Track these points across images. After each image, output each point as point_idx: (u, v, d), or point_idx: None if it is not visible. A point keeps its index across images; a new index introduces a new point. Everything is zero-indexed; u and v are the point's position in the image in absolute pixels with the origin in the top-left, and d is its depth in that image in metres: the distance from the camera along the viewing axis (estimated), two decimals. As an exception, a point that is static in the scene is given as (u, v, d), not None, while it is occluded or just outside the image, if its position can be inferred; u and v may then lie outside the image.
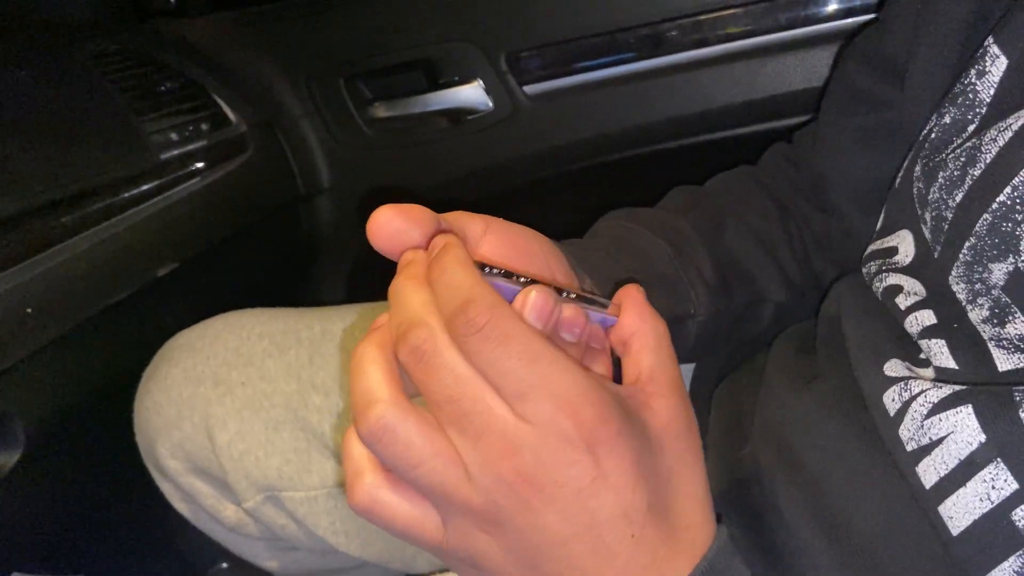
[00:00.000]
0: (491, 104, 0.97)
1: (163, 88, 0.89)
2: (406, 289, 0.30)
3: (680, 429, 0.31)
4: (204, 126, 0.91)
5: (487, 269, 0.31)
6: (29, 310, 0.62)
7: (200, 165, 0.87)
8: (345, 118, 1.02)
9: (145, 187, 0.79)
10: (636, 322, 0.33)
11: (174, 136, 0.86)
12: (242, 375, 0.63)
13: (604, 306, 0.34)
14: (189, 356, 0.65)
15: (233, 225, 0.91)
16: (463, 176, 1.02)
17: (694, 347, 0.50)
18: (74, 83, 0.81)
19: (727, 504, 0.46)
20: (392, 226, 0.32)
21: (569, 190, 1.03)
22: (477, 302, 0.28)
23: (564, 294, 0.33)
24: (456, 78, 0.98)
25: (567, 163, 0.98)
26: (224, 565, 1.09)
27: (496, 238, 0.35)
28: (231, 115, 0.95)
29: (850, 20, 0.84)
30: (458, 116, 1.00)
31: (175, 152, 0.85)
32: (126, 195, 0.76)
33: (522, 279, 0.32)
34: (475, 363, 0.28)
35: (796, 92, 0.87)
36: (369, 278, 1.12)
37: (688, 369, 0.61)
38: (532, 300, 0.30)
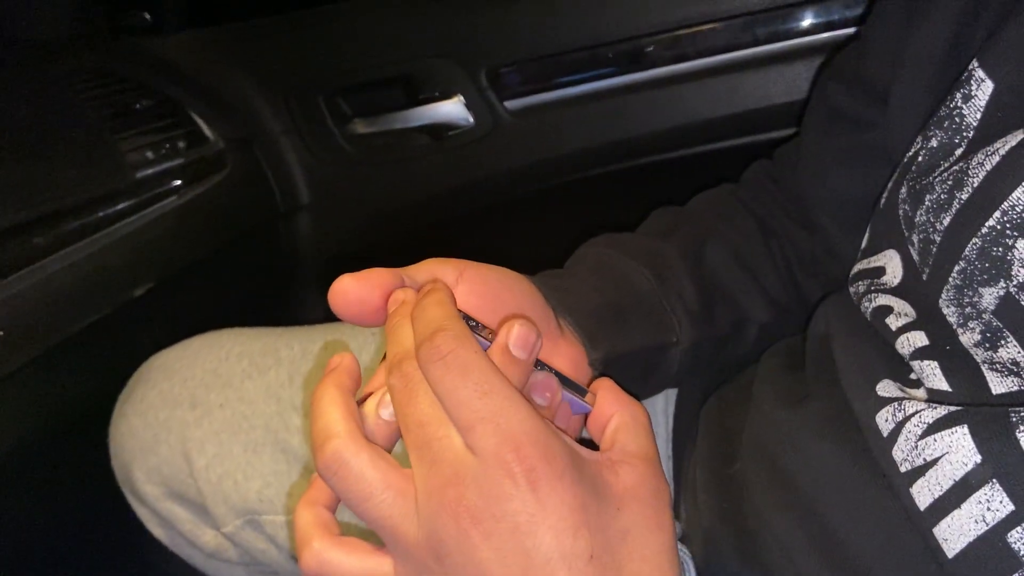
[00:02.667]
0: (472, 120, 0.97)
1: (139, 106, 0.88)
2: (399, 328, 0.33)
3: (645, 496, 0.31)
4: (181, 144, 0.89)
5: (471, 322, 0.34)
6: (1, 332, 0.60)
7: (177, 183, 0.86)
8: (325, 135, 1.01)
9: (121, 206, 0.78)
10: (613, 406, 0.35)
11: (150, 154, 0.85)
12: (220, 397, 0.62)
13: (581, 392, 0.36)
14: (166, 378, 0.63)
15: (211, 243, 0.90)
16: (444, 192, 1.01)
17: (678, 373, 0.50)
18: (48, 101, 0.79)
19: (719, 521, 0.45)
20: (352, 295, 0.34)
21: (551, 205, 1.03)
22: (444, 332, 0.30)
23: (539, 367, 0.35)
24: (436, 94, 0.98)
25: (549, 178, 0.98)
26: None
27: (468, 286, 0.37)
28: (208, 132, 0.93)
29: (829, 34, 0.85)
30: (439, 132, 0.99)
31: (152, 170, 0.83)
32: (101, 214, 0.75)
33: (487, 330, 0.34)
34: (436, 390, 0.30)
35: (777, 106, 0.87)
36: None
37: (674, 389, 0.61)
38: (516, 332, 0.32)
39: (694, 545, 0.47)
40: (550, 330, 0.41)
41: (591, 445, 0.34)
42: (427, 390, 0.30)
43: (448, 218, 1.05)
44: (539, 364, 0.35)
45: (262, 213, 1.00)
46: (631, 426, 0.34)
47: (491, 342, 0.33)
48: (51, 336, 0.66)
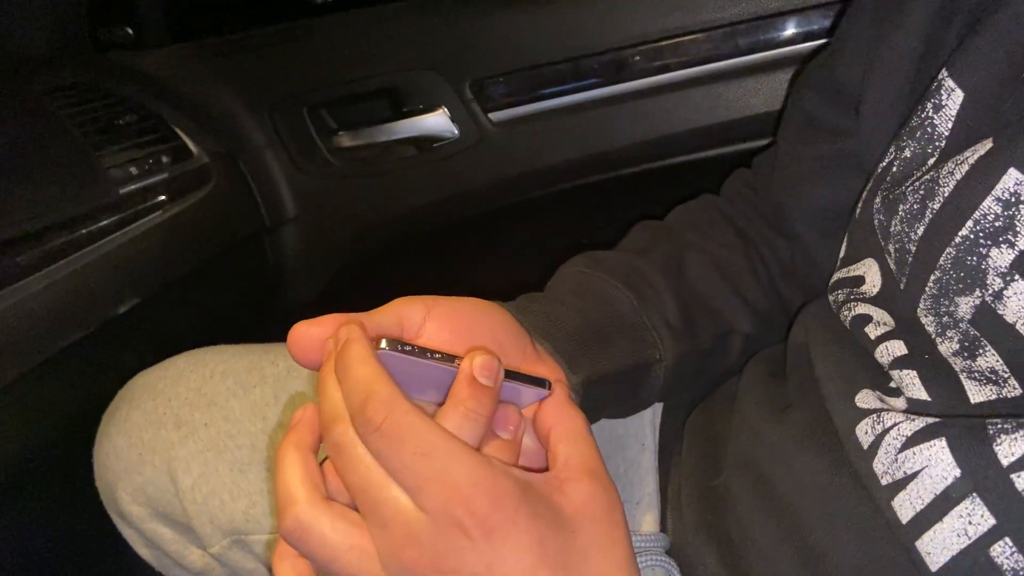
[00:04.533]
0: (457, 132, 0.97)
1: (122, 121, 0.87)
2: (327, 384, 0.32)
3: (596, 513, 0.32)
4: (165, 159, 0.89)
5: (429, 354, 0.33)
6: (-19, 354, 0.60)
7: (162, 198, 0.86)
8: (310, 148, 1.01)
9: (104, 223, 0.77)
10: (552, 416, 0.35)
11: (134, 170, 0.84)
12: (205, 416, 0.61)
13: (542, 385, 0.36)
14: (150, 397, 0.63)
15: (196, 259, 0.89)
16: (430, 204, 1.01)
17: (663, 389, 0.50)
18: (29, 118, 0.79)
19: (703, 533, 0.45)
20: (305, 341, 0.34)
21: (536, 216, 1.03)
22: (373, 401, 0.30)
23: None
24: (421, 106, 0.98)
25: (534, 189, 0.98)
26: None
27: (438, 322, 0.37)
28: (192, 147, 0.93)
29: (809, 44, 0.86)
30: (424, 144, 0.99)
31: (135, 186, 0.83)
32: (85, 231, 0.74)
33: (456, 360, 0.34)
34: (378, 459, 0.30)
35: (758, 116, 0.88)
36: (337, 309, 1.11)
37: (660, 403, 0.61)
38: (479, 362, 0.33)
39: (680, 556, 0.47)
40: (527, 356, 0.41)
41: None
42: (363, 453, 0.30)
43: (434, 229, 1.05)
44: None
45: (248, 227, 1.00)
46: (571, 438, 0.34)
47: (456, 367, 0.33)
48: (34, 355, 0.65)
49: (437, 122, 0.98)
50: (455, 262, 1.09)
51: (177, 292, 0.88)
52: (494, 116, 0.96)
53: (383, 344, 0.32)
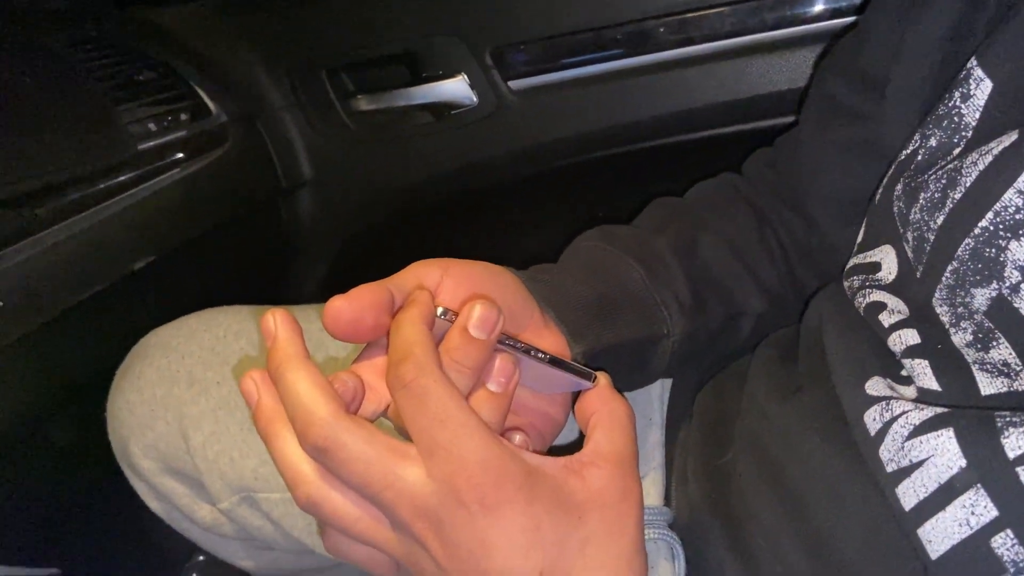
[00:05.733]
0: (475, 99, 0.96)
1: (141, 77, 0.87)
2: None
3: (610, 500, 0.33)
4: (183, 116, 0.89)
5: (444, 314, 0.35)
6: (1, 304, 0.61)
7: (179, 156, 0.86)
8: (327, 111, 1.01)
9: (122, 178, 0.78)
10: (594, 404, 0.36)
11: (152, 126, 0.84)
12: (218, 374, 0.62)
13: (588, 377, 0.37)
14: (163, 355, 0.64)
15: (212, 218, 0.90)
16: (446, 172, 1.01)
17: (669, 364, 0.51)
18: (50, 71, 0.79)
19: (708, 509, 0.46)
20: (345, 317, 0.34)
21: (553, 187, 1.02)
22: (408, 361, 0.31)
23: (533, 353, 0.36)
24: (440, 72, 0.97)
25: (552, 160, 0.97)
26: (201, 558, 1.08)
27: (453, 282, 0.38)
28: (211, 106, 0.93)
29: (837, 21, 0.84)
30: (442, 111, 0.99)
31: (154, 143, 0.83)
32: (102, 186, 0.75)
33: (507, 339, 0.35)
34: (402, 414, 0.31)
35: (781, 92, 0.86)
36: (349, 273, 1.11)
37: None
38: (477, 312, 0.33)
39: (683, 531, 0.47)
40: (534, 322, 0.42)
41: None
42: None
43: (450, 197, 1.04)
44: (533, 351, 0.35)
45: (264, 189, 1.00)
46: (607, 423, 0.35)
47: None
48: (51, 308, 0.66)
49: (456, 88, 0.97)
50: (469, 230, 1.08)
51: (192, 251, 0.89)
52: (514, 85, 0.95)
53: (439, 312, 0.34)
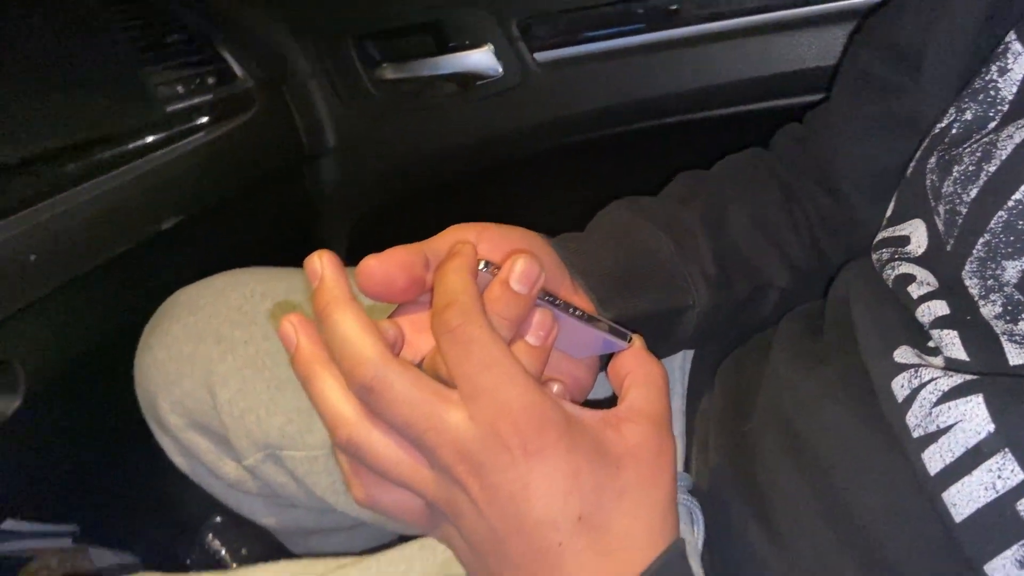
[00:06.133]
0: (501, 70, 0.96)
1: (170, 40, 0.88)
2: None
3: (647, 456, 0.33)
4: (210, 80, 0.90)
5: (487, 267, 0.35)
6: (33, 257, 0.62)
7: (205, 120, 0.86)
8: (353, 78, 1.01)
9: (150, 139, 0.78)
10: (631, 363, 0.36)
11: (180, 89, 0.85)
12: (245, 334, 0.63)
13: (624, 337, 0.37)
14: (191, 313, 0.65)
15: (237, 182, 0.90)
16: (470, 142, 1.01)
17: (694, 336, 0.51)
18: (82, 29, 0.79)
19: (729, 478, 0.46)
20: (378, 277, 0.35)
21: (577, 160, 1.02)
22: (453, 307, 0.32)
23: (571, 311, 0.36)
24: (466, 42, 0.97)
25: (575, 133, 0.97)
26: (218, 519, 1.10)
27: (488, 246, 0.39)
28: (238, 71, 0.93)
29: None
30: (467, 81, 0.99)
31: (181, 105, 0.84)
32: (131, 146, 0.76)
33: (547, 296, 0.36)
34: (445, 360, 0.32)
35: (808, 70, 0.86)
36: (371, 241, 1.11)
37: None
38: (519, 266, 0.34)
39: (702, 497, 0.48)
40: (565, 288, 0.43)
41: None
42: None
43: (473, 168, 1.05)
44: (573, 309, 0.36)
45: (287, 155, 1.00)
46: (644, 382, 0.36)
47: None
48: (80, 264, 0.67)
49: (481, 59, 0.97)
50: (492, 201, 1.09)
51: (217, 214, 0.89)
52: (540, 56, 0.95)
53: (481, 265, 0.35)
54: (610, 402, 0.36)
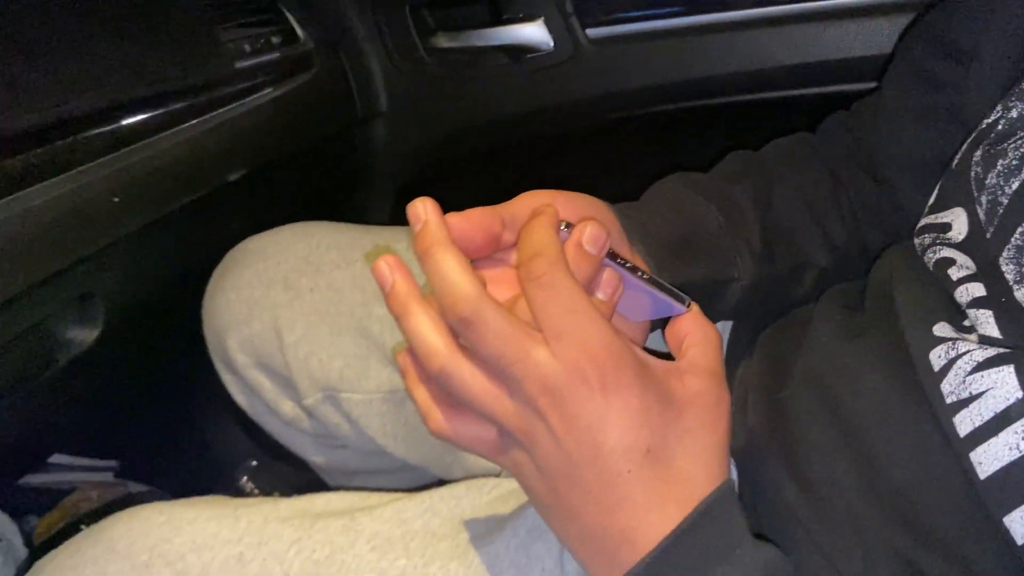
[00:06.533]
0: (552, 44, 0.99)
1: (238, -1, 0.91)
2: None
3: (707, 404, 0.37)
4: (274, 40, 0.93)
5: (567, 227, 0.39)
6: (116, 199, 0.66)
7: (269, 78, 0.90)
8: (407, 45, 1.04)
9: (220, 93, 0.82)
10: (691, 325, 0.40)
11: (247, 47, 0.88)
12: (311, 282, 0.67)
13: (682, 301, 0.41)
14: (260, 260, 0.69)
15: (295, 140, 0.94)
16: (518, 114, 1.04)
17: (735, 307, 0.54)
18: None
19: (765, 437, 0.50)
20: (455, 232, 0.38)
21: (623, 137, 1.05)
22: (541, 257, 0.35)
23: (638, 273, 0.40)
24: (520, 15, 0.99)
25: (622, 110, 1.00)
26: (253, 462, 1.15)
27: (560, 211, 0.41)
28: (299, 32, 0.97)
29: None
30: (518, 54, 1.02)
31: (247, 63, 0.87)
32: (203, 99, 0.79)
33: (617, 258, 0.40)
34: (531, 305, 0.35)
35: (854, 59, 0.88)
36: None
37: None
38: (589, 231, 0.38)
39: (740, 456, 0.52)
40: (623, 254, 0.46)
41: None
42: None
43: (520, 139, 1.08)
44: (640, 272, 0.40)
45: (342, 116, 1.04)
46: (703, 343, 0.39)
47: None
48: (157, 208, 0.71)
49: (534, 32, 1.00)
50: (536, 174, 1.12)
51: (275, 171, 0.93)
52: (591, 33, 0.97)
53: (562, 226, 0.39)
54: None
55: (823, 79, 0.90)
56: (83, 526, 0.55)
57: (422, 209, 0.37)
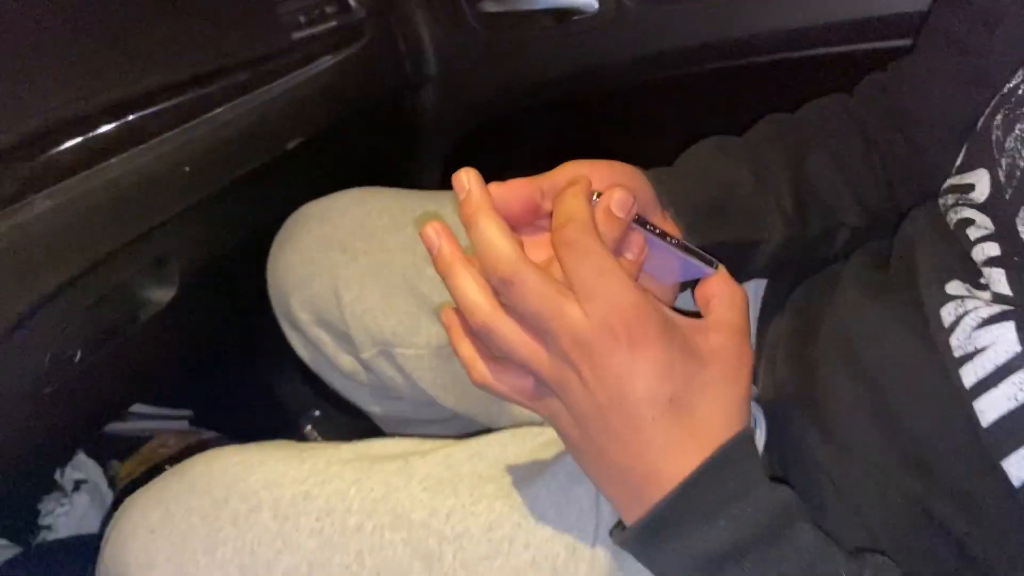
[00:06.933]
0: (596, 5, 1.00)
1: (292, -30, 0.94)
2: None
3: (729, 358, 0.40)
4: (328, 9, 0.96)
5: (598, 197, 0.42)
6: (187, 168, 0.71)
7: (323, 48, 0.94)
8: (456, 10, 1.06)
9: (278, 65, 0.86)
10: (718, 286, 0.43)
11: (302, 18, 0.92)
12: (366, 245, 0.72)
13: (705, 260, 0.43)
14: (320, 224, 0.74)
15: (349, 108, 0.98)
16: (565, 75, 1.05)
17: (769, 266, 0.57)
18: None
19: (793, 390, 0.53)
20: (496, 201, 0.41)
21: (666, 97, 1.06)
22: (573, 223, 0.38)
23: (667, 238, 0.43)
24: (565, -23, 1.01)
25: (667, 69, 1.01)
26: (316, 412, 1.22)
27: (597, 179, 0.45)
28: (351, 1, 1.00)
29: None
30: (563, 16, 1.03)
31: (302, 34, 0.91)
32: (263, 71, 0.83)
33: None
34: (563, 268, 0.38)
35: (892, 16, 0.87)
36: (464, 166, 1.18)
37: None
38: (616, 196, 0.41)
39: (767, 406, 0.55)
40: (656, 217, 0.49)
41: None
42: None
43: (565, 101, 1.10)
44: (669, 237, 0.43)
45: (393, 82, 1.07)
46: (728, 302, 0.42)
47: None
48: (224, 176, 0.76)
49: (579, -7, 1.01)
50: (582, 134, 1.14)
51: (329, 138, 0.97)
52: (635, -7, 0.98)
53: (595, 196, 0.42)
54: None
55: (862, 36, 0.90)
56: (167, 466, 0.62)
57: (466, 179, 0.40)
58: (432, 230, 0.41)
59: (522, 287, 0.38)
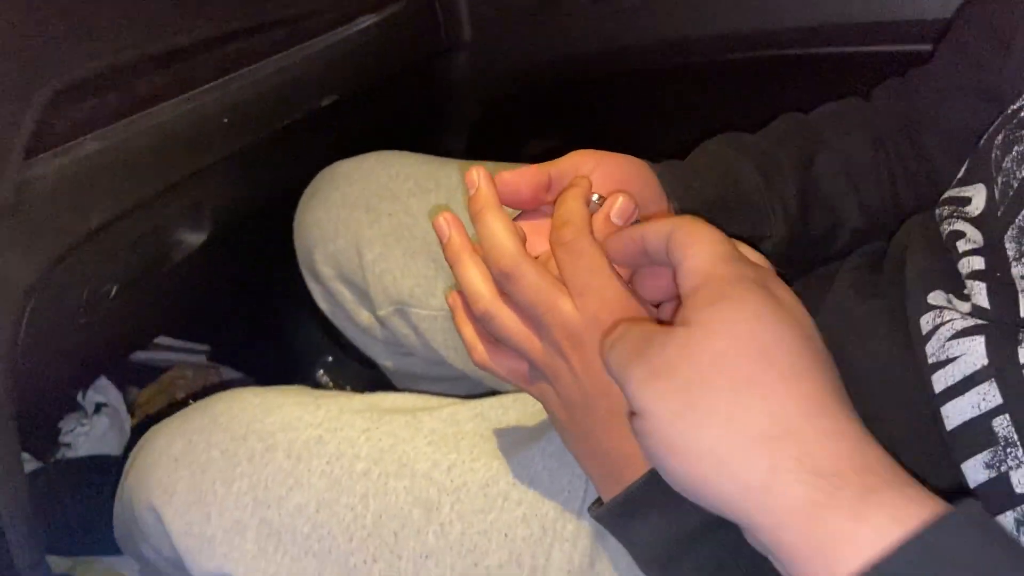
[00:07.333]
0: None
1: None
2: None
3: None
4: (367, -31, 0.98)
5: (598, 199, 0.45)
6: (226, 119, 0.74)
7: (362, 7, 0.96)
8: (494, -24, 1.08)
9: (316, 23, 0.88)
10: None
11: (344, -25, 0.94)
12: (390, 207, 0.75)
13: None
14: (347, 184, 0.77)
15: (383, 69, 1.00)
16: (595, 53, 1.07)
17: (771, 263, 0.59)
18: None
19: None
20: (509, 186, 0.45)
21: (692, 84, 1.07)
22: (569, 224, 0.41)
23: None
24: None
25: (694, 56, 1.02)
26: (329, 358, 1.26)
27: (604, 172, 0.48)
28: (390, -38, 1.01)
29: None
30: (598, -8, 1.04)
31: (341, -7, 0.93)
32: (302, 28, 0.86)
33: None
34: (559, 266, 0.42)
35: (926, 21, 0.88)
36: (491, 134, 1.20)
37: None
38: (619, 204, 0.44)
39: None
40: (662, 211, 0.52)
41: None
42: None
43: (595, 76, 1.11)
44: None
45: (427, 46, 1.09)
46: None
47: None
48: (260, 129, 0.79)
49: (616, -32, 1.02)
50: (608, 110, 1.15)
51: (362, 98, 0.99)
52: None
53: (595, 197, 0.45)
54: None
55: (884, 38, 0.91)
56: (191, 401, 0.66)
57: (476, 177, 0.44)
58: (443, 220, 0.45)
59: (520, 280, 0.41)
